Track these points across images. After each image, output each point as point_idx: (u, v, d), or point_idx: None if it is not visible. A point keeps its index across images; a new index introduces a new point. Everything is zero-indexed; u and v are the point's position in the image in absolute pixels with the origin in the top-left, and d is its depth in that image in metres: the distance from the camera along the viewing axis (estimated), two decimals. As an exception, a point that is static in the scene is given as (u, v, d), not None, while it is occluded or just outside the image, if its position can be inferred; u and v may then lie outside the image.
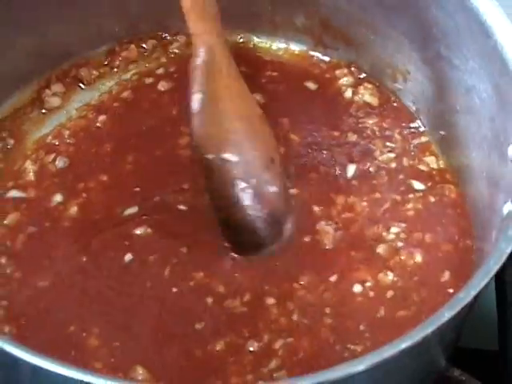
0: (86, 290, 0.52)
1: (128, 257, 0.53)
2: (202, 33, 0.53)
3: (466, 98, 0.55)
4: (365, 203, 0.56)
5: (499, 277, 0.53)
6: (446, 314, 0.41)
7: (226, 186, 0.52)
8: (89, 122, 0.60)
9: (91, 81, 0.63)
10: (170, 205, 0.56)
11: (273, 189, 0.54)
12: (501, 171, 0.51)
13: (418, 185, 0.58)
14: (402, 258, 0.54)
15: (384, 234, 0.55)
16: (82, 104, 0.61)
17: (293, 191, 0.57)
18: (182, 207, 0.56)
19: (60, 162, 0.57)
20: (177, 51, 0.64)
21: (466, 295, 0.41)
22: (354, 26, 0.61)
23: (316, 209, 0.56)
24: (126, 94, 0.62)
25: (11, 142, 0.59)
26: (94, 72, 0.63)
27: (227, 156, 0.52)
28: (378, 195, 0.57)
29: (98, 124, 0.60)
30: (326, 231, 0.55)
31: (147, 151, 0.58)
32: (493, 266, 0.43)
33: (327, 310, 0.52)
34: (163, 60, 0.64)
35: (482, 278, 0.42)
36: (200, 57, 0.53)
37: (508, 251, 0.43)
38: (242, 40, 0.65)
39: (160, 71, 0.63)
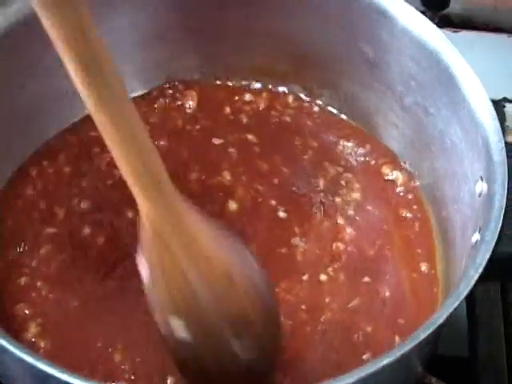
0: (111, 310, 0.52)
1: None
2: (147, 210, 0.42)
3: (440, 141, 0.56)
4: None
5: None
6: (422, 334, 0.41)
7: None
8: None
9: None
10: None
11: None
12: (470, 204, 0.51)
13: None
14: None
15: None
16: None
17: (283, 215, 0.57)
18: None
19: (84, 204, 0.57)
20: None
21: (439, 317, 0.42)
22: (341, 77, 0.61)
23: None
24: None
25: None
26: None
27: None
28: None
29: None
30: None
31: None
32: (463, 290, 0.43)
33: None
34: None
35: (453, 301, 0.42)
36: (146, 232, 0.43)
37: (476, 277, 0.43)
38: (226, 83, 0.64)
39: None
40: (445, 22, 0.80)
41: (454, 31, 0.74)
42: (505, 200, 0.46)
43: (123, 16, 0.59)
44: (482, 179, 0.50)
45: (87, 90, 0.38)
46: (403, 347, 0.40)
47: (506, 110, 0.67)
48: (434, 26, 0.55)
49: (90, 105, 0.39)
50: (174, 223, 0.43)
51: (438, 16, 0.80)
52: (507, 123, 0.67)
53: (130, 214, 0.56)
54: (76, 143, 0.60)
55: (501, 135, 0.49)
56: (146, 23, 0.60)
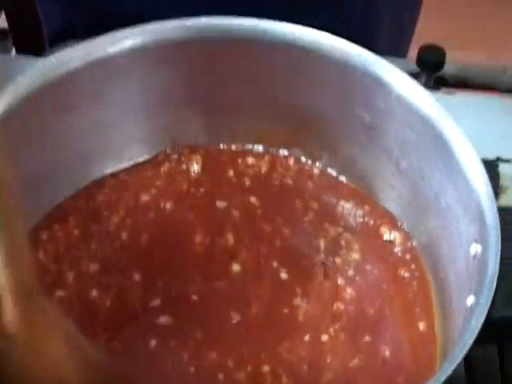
0: (116, 369, 0.52)
1: (153, 343, 0.54)
2: None
3: (435, 203, 0.56)
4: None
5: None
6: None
7: None
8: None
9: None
10: (185, 296, 0.56)
11: None
12: (465, 266, 0.51)
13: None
14: None
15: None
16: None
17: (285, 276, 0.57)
18: (194, 297, 0.56)
19: (92, 266, 0.57)
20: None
21: (437, 380, 0.41)
22: (340, 141, 0.61)
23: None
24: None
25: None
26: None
27: None
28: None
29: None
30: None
31: (168, 251, 0.58)
32: (458, 355, 0.43)
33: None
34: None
35: (449, 366, 0.42)
36: None
37: (471, 342, 0.43)
38: (230, 147, 0.64)
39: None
40: (440, 82, 0.81)
41: (449, 92, 0.74)
42: (498, 264, 0.46)
43: (132, 83, 0.60)
44: (476, 242, 0.50)
45: None
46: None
47: (499, 169, 0.67)
48: (428, 93, 0.55)
49: None
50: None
51: (434, 77, 0.80)
52: (501, 182, 0.67)
53: (137, 277, 0.56)
54: (85, 207, 0.60)
55: (494, 200, 0.50)
56: (152, 91, 0.61)
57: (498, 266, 0.46)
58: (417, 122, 0.55)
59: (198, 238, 0.59)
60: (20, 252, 0.41)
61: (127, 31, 0.58)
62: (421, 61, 0.78)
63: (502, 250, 0.47)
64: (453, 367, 0.42)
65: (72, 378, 0.44)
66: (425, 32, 0.95)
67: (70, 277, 0.57)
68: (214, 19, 0.58)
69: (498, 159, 0.68)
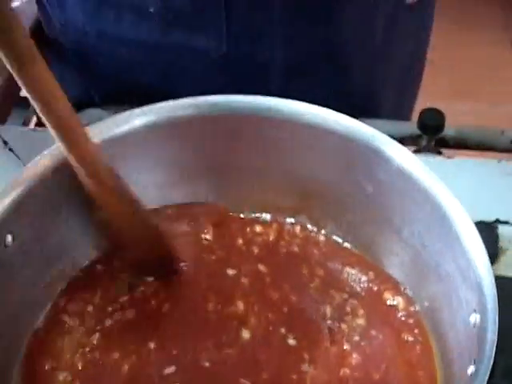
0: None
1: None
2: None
3: (436, 271, 0.56)
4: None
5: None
6: None
7: None
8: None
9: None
10: (198, 362, 0.56)
11: None
12: (465, 334, 0.51)
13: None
14: None
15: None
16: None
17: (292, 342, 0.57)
18: (206, 364, 0.56)
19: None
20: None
21: None
22: (343, 209, 0.62)
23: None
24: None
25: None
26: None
27: None
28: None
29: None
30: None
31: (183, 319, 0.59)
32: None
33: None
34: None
35: None
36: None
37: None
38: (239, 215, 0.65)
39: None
40: (441, 144, 0.82)
41: (449, 156, 0.75)
42: (496, 334, 0.47)
43: (145, 158, 0.61)
44: (475, 311, 0.50)
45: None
46: None
47: (498, 231, 0.67)
48: (427, 168, 0.56)
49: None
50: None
51: (435, 139, 0.81)
52: (500, 244, 0.67)
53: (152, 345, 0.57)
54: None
55: (491, 270, 0.50)
56: (164, 164, 0.62)
57: (496, 337, 0.46)
58: (416, 193, 0.56)
59: (211, 306, 0.59)
60: None
61: (140, 110, 0.59)
62: (422, 124, 0.80)
63: (501, 321, 0.47)
64: None
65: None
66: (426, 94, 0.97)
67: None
68: (223, 98, 0.59)
69: (497, 221, 0.69)
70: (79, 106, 0.85)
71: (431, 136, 0.80)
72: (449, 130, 0.81)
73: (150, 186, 0.62)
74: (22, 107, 0.86)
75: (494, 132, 0.82)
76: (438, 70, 0.97)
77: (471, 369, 0.47)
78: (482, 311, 0.49)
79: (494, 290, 0.49)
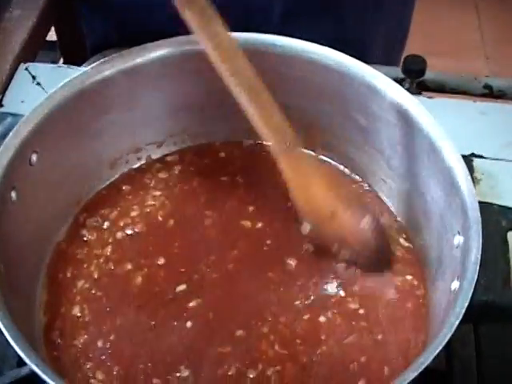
0: (157, 345, 0.51)
1: (189, 324, 0.52)
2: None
3: (423, 198, 0.55)
4: None
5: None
6: (411, 374, 0.39)
7: None
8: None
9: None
10: (206, 277, 0.54)
11: None
12: (449, 255, 0.50)
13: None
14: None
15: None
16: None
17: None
18: (214, 275, 0.54)
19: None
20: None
21: (425, 360, 0.41)
22: (338, 141, 0.60)
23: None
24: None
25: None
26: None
27: None
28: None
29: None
30: None
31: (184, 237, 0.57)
32: (445, 334, 0.42)
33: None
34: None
35: (437, 345, 0.41)
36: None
37: (457, 323, 0.42)
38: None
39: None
40: (422, 87, 0.80)
41: (430, 97, 0.73)
42: (480, 254, 0.45)
43: (158, 89, 0.58)
44: (459, 233, 0.48)
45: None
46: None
47: (473, 163, 0.66)
48: (416, 100, 0.54)
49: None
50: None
51: (416, 82, 0.79)
52: (475, 174, 0.66)
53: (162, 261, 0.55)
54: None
55: (475, 197, 0.48)
56: (175, 95, 0.59)
57: (479, 256, 0.45)
58: (406, 125, 0.54)
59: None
60: None
61: (155, 43, 0.56)
62: (405, 68, 0.77)
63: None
64: (440, 347, 0.41)
65: None
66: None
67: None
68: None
69: (473, 154, 0.67)
70: (99, 47, 0.83)
71: (413, 79, 0.78)
72: (429, 75, 0.78)
73: (162, 117, 0.60)
74: (50, 49, 0.85)
75: (469, 77, 0.80)
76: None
77: (455, 284, 0.46)
78: (466, 233, 0.47)
79: (478, 213, 0.47)
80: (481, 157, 0.67)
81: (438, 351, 0.40)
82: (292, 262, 0.55)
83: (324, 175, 0.54)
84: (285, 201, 0.55)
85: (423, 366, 0.39)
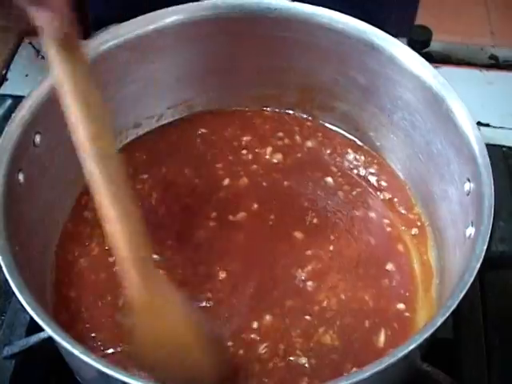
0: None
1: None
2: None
3: (427, 149, 0.53)
4: None
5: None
6: (439, 318, 0.38)
7: None
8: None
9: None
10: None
11: None
12: (459, 203, 0.48)
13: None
14: None
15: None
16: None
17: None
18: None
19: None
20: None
21: (451, 305, 0.39)
22: (338, 100, 0.57)
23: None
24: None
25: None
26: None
27: None
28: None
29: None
30: None
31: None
32: (467, 279, 0.41)
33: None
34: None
35: (462, 289, 0.40)
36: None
37: (478, 267, 0.41)
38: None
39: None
40: (427, 58, 0.78)
41: (436, 67, 0.71)
42: (493, 198, 0.44)
43: (165, 57, 0.56)
44: (469, 180, 0.47)
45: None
46: (410, 343, 0.37)
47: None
48: (416, 54, 0.52)
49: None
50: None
51: (421, 54, 0.77)
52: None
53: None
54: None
55: (483, 142, 0.47)
56: (181, 63, 0.57)
57: (493, 200, 0.44)
58: (407, 80, 0.53)
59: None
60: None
61: (165, 10, 0.54)
62: (411, 39, 0.75)
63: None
64: (464, 291, 0.40)
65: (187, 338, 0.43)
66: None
67: None
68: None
69: (479, 123, 0.66)
70: (101, 22, 0.80)
71: (419, 50, 0.76)
72: (436, 46, 0.77)
73: (173, 84, 0.58)
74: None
75: (475, 48, 0.78)
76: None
77: (470, 230, 0.44)
78: (477, 180, 0.46)
79: (488, 159, 0.46)
80: (487, 125, 0.66)
81: (463, 293, 0.39)
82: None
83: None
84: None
85: (451, 309, 0.38)
